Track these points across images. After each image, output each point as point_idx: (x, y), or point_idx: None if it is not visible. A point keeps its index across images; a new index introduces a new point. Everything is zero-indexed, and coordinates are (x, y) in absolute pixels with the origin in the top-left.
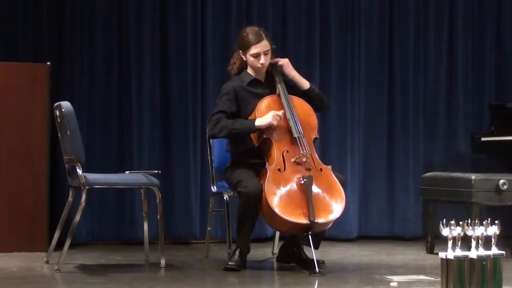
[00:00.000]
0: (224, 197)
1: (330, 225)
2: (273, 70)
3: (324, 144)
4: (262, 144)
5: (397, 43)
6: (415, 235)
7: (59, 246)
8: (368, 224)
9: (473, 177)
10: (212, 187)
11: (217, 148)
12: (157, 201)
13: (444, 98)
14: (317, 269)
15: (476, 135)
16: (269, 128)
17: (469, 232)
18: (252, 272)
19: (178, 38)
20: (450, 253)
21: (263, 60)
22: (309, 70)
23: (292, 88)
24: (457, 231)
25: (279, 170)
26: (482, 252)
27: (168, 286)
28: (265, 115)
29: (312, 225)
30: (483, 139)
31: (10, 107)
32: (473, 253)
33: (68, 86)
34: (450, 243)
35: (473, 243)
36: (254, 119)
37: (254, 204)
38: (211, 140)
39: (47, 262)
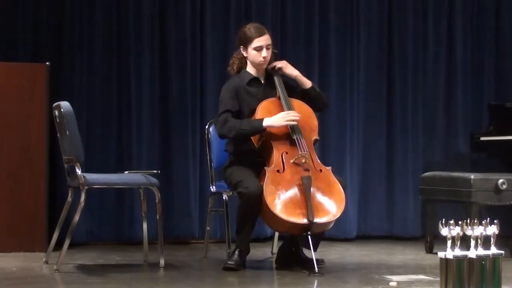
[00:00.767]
0: (223, 197)
1: (330, 225)
2: (273, 72)
3: (323, 144)
4: (262, 146)
5: (396, 43)
6: (414, 235)
7: (58, 246)
8: (367, 224)
9: (472, 176)
10: (211, 187)
11: (216, 148)
12: (156, 201)
13: (443, 98)
14: (316, 269)
15: (475, 134)
16: (269, 130)
17: (468, 232)
18: (251, 272)
19: (177, 38)
20: (449, 253)
21: (265, 54)
22: (308, 71)
23: (292, 90)
24: (456, 230)
25: (278, 171)
26: (481, 251)
27: (168, 286)
28: (275, 118)
29: (311, 225)
30: (482, 138)
31: (9, 107)
32: (472, 253)
33: (67, 86)
34: (449, 242)
35: (472, 242)
36: (262, 119)
37: (254, 204)
38: (210, 140)
39: (46, 262)
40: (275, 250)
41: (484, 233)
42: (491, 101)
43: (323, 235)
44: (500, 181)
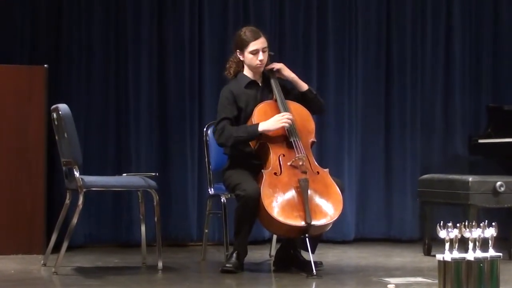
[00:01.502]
0: (222, 200)
1: (328, 227)
2: (270, 74)
3: (321, 146)
4: (259, 148)
5: (395, 46)
6: (412, 237)
7: (57, 248)
8: (365, 226)
9: (470, 179)
10: (209, 190)
11: (214, 151)
12: (155, 203)
13: (441, 100)
14: (314, 271)
15: (473, 137)
16: (266, 133)
17: (466, 234)
18: (249, 274)
19: (176, 40)
20: (447, 255)
21: (262, 57)
22: (306, 72)
23: (289, 92)
24: (454, 233)
25: (275, 174)
26: (479, 254)
27: None
28: (270, 121)
29: (308, 227)
30: (480, 141)
31: (8, 109)
32: (470, 255)
33: (65, 89)
34: (447, 245)
35: (470, 245)
36: (257, 124)
37: (252, 207)
38: (208, 142)
39: (44, 264)
40: (273, 252)
41: (482, 236)
42: (489, 103)
43: (321, 237)
44: (498, 183)
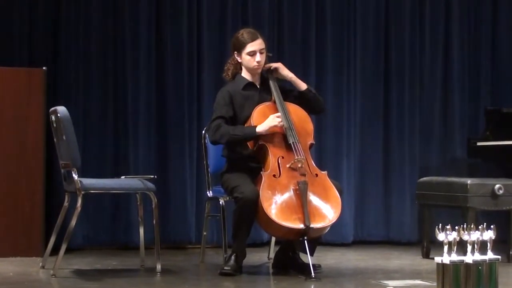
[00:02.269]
0: (220, 202)
1: (326, 230)
2: (268, 75)
3: (320, 148)
4: (258, 150)
5: (393, 47)
6: (411, 240)
7: (55, 251)
8: (364, 228)
9: (468, 181)
10: (208, 192)
11: (213, 153)
12: (153, 206)
13: (440, 102)
14: (313, 274)
15: (472, 139)
16: (265, 134)
17: (465, 237)
18: (248, 277)
19: (174, 43)
20: (446, 258)
21: (259, 58)
22: (305, 73)
23: (288, 94)
24: (453, 235)
25: (274, 176)
26: (478, 256)
27: None
28: (265, 121)
29: (307, 230)
30: (478, 143)
31: (6, 112)
32: (469, 258)
33: (64, 91)
34: (446, 247)
35: (469, 247)
36: (255, 126)
37: (250, 209)
38: (207, 145)
39: (43, 267)
40: (272, 255)
41: (480, 238)
42: (487, 106)
43: (319, 240)
44: (497, 186)
